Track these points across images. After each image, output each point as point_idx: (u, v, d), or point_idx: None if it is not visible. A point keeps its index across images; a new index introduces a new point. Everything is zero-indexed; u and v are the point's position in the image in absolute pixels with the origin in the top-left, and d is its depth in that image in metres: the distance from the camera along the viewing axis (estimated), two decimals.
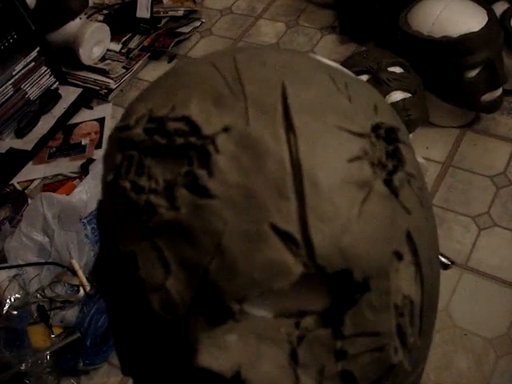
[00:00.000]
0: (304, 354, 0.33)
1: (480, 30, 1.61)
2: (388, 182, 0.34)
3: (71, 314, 1.50)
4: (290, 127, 0.33)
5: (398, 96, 1.59)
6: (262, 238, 0.31)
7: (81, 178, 1.82)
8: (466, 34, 1.61)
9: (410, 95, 1.60)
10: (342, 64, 1.63)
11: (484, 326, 1.42)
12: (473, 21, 1.63)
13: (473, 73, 1.66)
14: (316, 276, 0.32)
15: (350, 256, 0.32)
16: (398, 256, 0.34)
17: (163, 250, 0.32)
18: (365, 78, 1.59)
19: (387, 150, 0.35)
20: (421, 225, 0.36)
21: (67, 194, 1.68)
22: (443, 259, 1.53)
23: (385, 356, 0.34)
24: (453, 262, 1.53)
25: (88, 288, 1.52)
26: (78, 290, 1.53)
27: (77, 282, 1.54)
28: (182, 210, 0.32)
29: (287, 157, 0.32)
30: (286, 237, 0.31)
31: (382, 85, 1.57)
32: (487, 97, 1.70)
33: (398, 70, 1.62)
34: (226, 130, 0.32)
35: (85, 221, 1.60)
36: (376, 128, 0.35)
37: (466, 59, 1.62)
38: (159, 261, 0.33)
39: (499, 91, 1.72)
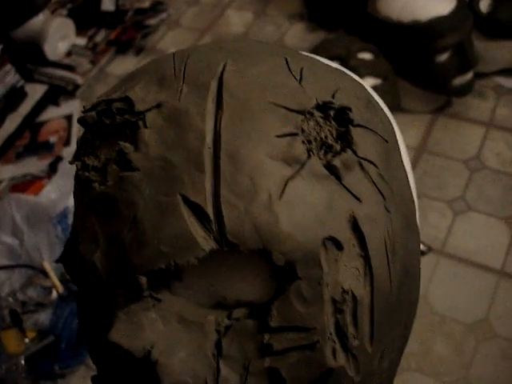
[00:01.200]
0: (229, 345, 0.31)
1: (449, 14, 1.60)
2: (329, 164, 0.32)
3: (45, 316, 1.47)
4: (219, 104, 0.32)
5: (368, 82, 1.57)
6: (171, 210, 0.30)
7: (50, 177, 1.78)
8: (435, 18, 1.60)
9: (380, 81, 1.59)
10: (312, 52, 1.61)
11: (463, 312, 1.42)
12: (442, 4, 1.62)
13: (443, 56, 1.65)
14: (241, 258, 0.31)
15: (267, 236, 0.30)
16: (336, 244, 0.31)
17: (95, 224, 0.33)
18: (334, 65, 1.57)
19: (338, 131, 0.33)
20: (377, 216, 0.33)
21: (36, 194, 1.64)
22: (420, 246, 1.53)
23: (318, 357, 0.31)
24: (430, 248, 1.54)
25: (61, 290, 1.49)
26: (51, 292, 1.50)
27: (49, 284, 1.50)
28: (109, 183, 0.32)
29: (210, 130, 0.31)
30: (196, 209, 0.30)
31: (353, 71, 1.55)
32: (458, 80, 1.70)
33: (367, 56, 1.61)
34: (158, 106, 0.33)
35: (55, 221, 1.56)
36: (324, 107, 0.33)
37: (436, 43, 1.62)
38: (92, 235, 0.33)
39: (470, 74, 1.72)
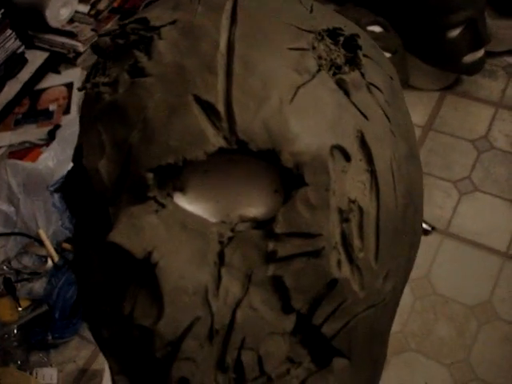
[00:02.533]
0: (232, 254, 0.31)
1: None
2: (339, 80, 0.32)
3: (39, 285, 1.44)
4: (233, 20, 0.32)
5: None
6: (182, 108, 0.30)
7: (48, 146, 1.74)
8: None
9: (389, 55, 1.54)
10: None
11: (465, 293, 1.39)
12: None
13: (455, 32, 1.60)
14: (247, 166, 0.31)
15: (277, 136, 0.30)
16: (344, 154, 0.31)
17: (102, 133, 0.32)
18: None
19: (346, 57, 0.33)
20: (383, 136, 0.33)
21: (33, 162, 1.60)
22: (424, 225, 1.50)
23: (323, 265, 0.31)
24: (433, 228, 1.50)
25: (56, 259, 1.46)
26: (46, 261, 1.47)
27: (44, 253, 1.47)
28: (120, 91, 0.32)
29: (224, 40, 0.32)
30: (207, 107, 0.30)
31: None
32: (469, 58, 1.65)
33: (377, 29, 1.56)
34: (172, 22, 0.33)
35: (52, 189, 1.53)
36: (334, 34, 0.34)
37: (449, 18, 1.57)
38: (98, 145, 0.32)
39: (481, 52, 1.67)
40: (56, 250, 1.48)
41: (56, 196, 1.52)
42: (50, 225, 1.50)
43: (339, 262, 0.31)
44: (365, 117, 0.33)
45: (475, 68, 1.70)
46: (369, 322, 0.33)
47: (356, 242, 0.32)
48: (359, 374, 0.33)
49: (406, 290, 1.39)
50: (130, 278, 0.31)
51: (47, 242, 1.47)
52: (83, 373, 1.38)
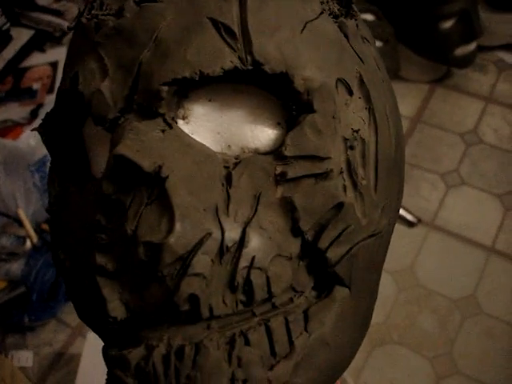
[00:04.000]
0: (239, 176, 0.31)
1: None
2: (340, 23, 0.34)
3: (17, 267, 1.41)
4: None
5: None
6: (198, 27, 0.31)
7: (31, 124, 1.71)
8: None
9: (381, 44, 1.52)
10: None
11: (449, 287, 1.38)
12: None
13: (447, 24, 1.59)
14: (256, 92, 0.32)
15: (290, 61, 0.31)
16: (347, 88, 0.33)
17: (104, 58, 0.32)
18: None
19: (341, 11, 0.35)
20: (376, 82, 0.35)
21: (14, 140, 1.57)
22: (409, 217, 1.49)
23: (330, 188, 0.31)
24: (419, 220, 1.49)
25: (35, 240, 1.43)
26: (25, 242, 1.44)
27: (23, 234, 1.44)
28: (127, 15, 0.32)
29: None
30: (223, 28, 0.31)
31: None
32: (461, 50, 1.64)
33: (369, 17, 1.55)
34: None
35: (33, 168, 1.49)
36: None
37: (441, 9, 1.56)
38: (99, 69, 0.32)
39: (473, 45, 1.66)
40: (35, 230, 1.45)
41: (37, 176, 1.49)
42: (29, 205, 1.47)
43: (345, 188, 0.32)
44: (361, 61, 0.34)
45: (466, 61, 1.69)
46: (368, 252, 0.33)
47: (359, 170, 0.33)
48: (358, 304, 0.33)
49: (390, 281, 1.40)
50: (132, 197, 0.30)
51: (26, 223, 1.44)
52: (60, 356, 1.36)
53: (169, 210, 0.29)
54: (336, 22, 0.34)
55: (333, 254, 0.31)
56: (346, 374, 1.13)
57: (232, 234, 0.30)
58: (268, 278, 0.30)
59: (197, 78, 0.30)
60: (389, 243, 0.36)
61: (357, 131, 0.33)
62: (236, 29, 0.31)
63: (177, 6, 0.31)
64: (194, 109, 0.32)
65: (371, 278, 0.35)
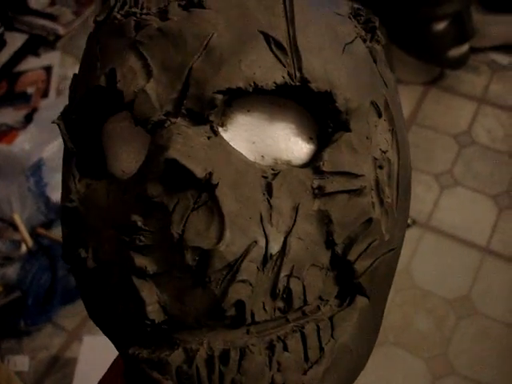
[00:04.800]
0: (279, 187, 0.32)
1: None
2: (370, 48, 0.36)
3: (12, 271, 1.41)
4: None
5: None
6: (251, 39, 0.32)
7: (25, 129, 1.71)
8: None
9: None
10: None
11: (445, 287, 1.38)
12: None
13: (440, 25, 1.59)
14: (299, 98, 0.33)
15: (334, 80, 0.32)
16: (377, 111, 0.34)
17: (147, 58, 0.32)
18: None
19: (367, 36, 0.36)
20: (397, 104, 0.37)
21: (9, 144, 1.57)
22: None
23: (363, 203, 0.33)
24: (414, 221, 1.50)
25: (30, 244, 1.43)
26: (20, 246, 1.44)
27: (18, 238, 1.44)
28: (174, 18, 0.32)
29: None
30: (274, 42, 0.32)
31: None
32: (454, 52, 1.65)
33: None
34: None
35: (28, 173, 1.49)
36: (356, 14, 0.37)
37: (434, 10, 1.56)
38: (141, 69, 0.32)
39: (466, 47, 1.66)
40: (30, 235, 1.45)
41: (32, 180, 1.49)
42: (24, 209, 1.47)
43: (373, 204, 0.33)
44: (385, 84, 0.36)
45: (459, 63, 1.69)
46: (387, 265, 0.35)
47: (386, 189, 0.34)
48: (375, 312, 0.35)
49: None
50: (176, 201, 0.30)
51: (21, 227, 1.44)
52: (56, 361, 1.35)
53: (218, 216, 0.30)
54: (367, 47, 0.35)
55: (359, 266, 0.33)
56: None
57: (275, 242, 0.31)
58: (304, 287, 0.31)
59: (251, 90, 0.31)
60: (399, 258, 0.38)
61: (385, 152, 0.34)
62: (285, 44, 0.32)
63: (227, 16, 0.32)
64: (233, 117, 0.33)
65: (386, 287, 0.36)
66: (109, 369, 0.42)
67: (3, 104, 1.85)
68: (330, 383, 0.32)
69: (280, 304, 0.31)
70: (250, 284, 0.30)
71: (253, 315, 0.30)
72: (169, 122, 0.31)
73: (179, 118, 0.31)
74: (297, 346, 0.31)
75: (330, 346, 0.32)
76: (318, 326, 0.32)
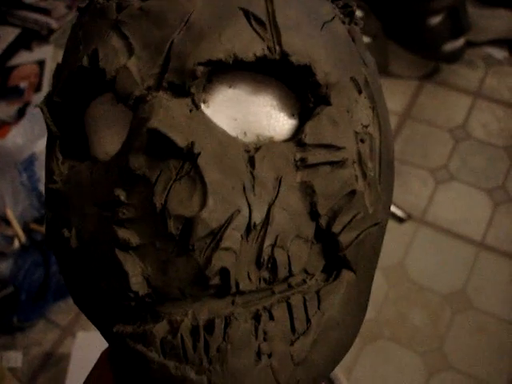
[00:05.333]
0: (261, 160, 0.32)
1: None
2: (349, 28, 0.36)
3: (5, 266, 1.39)
4: None
5: None
6: (230, 15, 0.32)
7: (18, 123, 1.69)
8: None
9: (369, 39, 1.52)
10: None
11: (440, 282, 1.38)
12: None
13: (436, 19, 1.59)
14: (275, 85, 0.34)
15: (313, 55, 0.33)
16: (357, 87, 0.35)
17: (128, 36, 0.32)
18: None
19: (345, 19, 0.37)
20: (377, 84, 0.38)
21: (1, 138, 1.55)
22: (399, 213, 1.49)
23: (345, 175, 0.33)
24: (409, 216, 1.49)
25: (23, 239, 1.41)
26: (13, 242, 1.42)
27: (11, 233, 1.43)
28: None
29: None
30: (254, 18, 0.32)
31: None
32: (449, 46, 1.64)
33: (357, 13, 1.54)
34: None
35: (20, 167, 1.48)
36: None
37: (430, 4, 1.55)
38: (123, 47, 0.32)
39: (461, 41, 1.66)
40: (23, 230, 1.43)
41: (24, 175, 1.48)
42: (17, 204, 1.46)
43: (356, 177, 0.33)
44: (365, 64, 0.37)
45: (455, 56, 1.69)
46: (372, 239, 0.35)
47: (368, 163, 0.34)
48: (361, 287, 0.35)
49: (380, 277, 1.40)
50: (158, 173, 0.30)
51: (14, 222, 1.43)
52: (49, 356, 1.34)
53: (201, 185, 0.30)
54: (346, 28, 0.36)
55: (344, 239, 0.33)
56: (337, 370, 1.13)
57: (258, 212, 0.31)
58: (289, 258, 0.31)
59: (231, 62, 0.31)
60: (384, 235, 0.38)
61: (366, 126, 0.35)
62: (265, 20, 0.32)
63: None
64: (214, 94, 0.33)
65: (372, 263, 0.36)
66: (96, 364, 0.41)
67: None
68: (318, 356, 0.32)
69: (265, 274, 0.31)
70: (234, 252, 0.30)
71: (237, 284, 0.30)
72: (150, 96, 0.31)
73: (161, 92, 0.31)
74: (283, 316, 0.31)
75: (317, 318, 0.32)
76: (304, 298, 0.32)
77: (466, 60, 1.78)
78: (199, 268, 0.30)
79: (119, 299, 0.31)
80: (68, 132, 0.37)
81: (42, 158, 1.49)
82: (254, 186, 0.31)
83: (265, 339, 0.30)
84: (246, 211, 0.31)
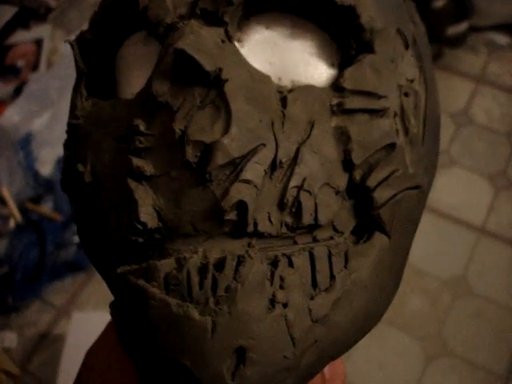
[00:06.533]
0: (294, 101, 0.29)
1: None
2: None
3: (0, 246, 1.38)
4: None
5: None
6: None
7: (14, 102, 1.67)
8: None
9: None
10: None
11: (439, 267, 1.37)
12: None
13: (440, 2, 1.57)
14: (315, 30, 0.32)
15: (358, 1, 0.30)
16: (404, 41, 0.32)
17: None
18: None
19: None
20: (425, 45, 0.35)
21: None
22: None
23: (385, 126, 0.30)
24: None
25: (19, 219, 1.40)
26: (8, 221, 1.41)
27: (7, 212, 1.41)
28: None
29: None
30: None
31: None
32: (452, 30, 1.62)
33: None
34: None
35: (17, 146, 1.46)
36: None
37: None
38: None
39: (465, 25, 1.64)
40: (19, 209, 1.42)
41: (21, 153, 1.46)
42: (13, 183, 1.44)
43: (397, 131, 0.31)
44: (414, 23, 0.35)
45: (458, 40, 1.67)
46: (410, 203, 0.32)
47: (411, 119, 0.32)
48: (395, 256, 0.32)
49: None
50: (182, 100, 0.28)
51: (10, 201, 1.41)
52: (44, 337, 1.33)
53: (225, 113, 0.27)
54: None
55: (379, 196, 0.30)
56: None
57: (286, 150, 0.29)
58: (316, 205, 0.29)
59: None
60: (425, 205, 0.35)
61: (411, 81, 0.32)
62: None
63: None
64: (250, 34, 0.31)
65: (409, 232, 0.34)
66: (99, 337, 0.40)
67: None
68: (341, 318, 0.29)
69: (288, 219, 0.28)
70: (255, 186, 0.28)
71: (256, 224, 0.28)
72: (182, 24, 0.29)
73: (193, 20, 0.29)
74: (304, 265, 0.29)
75: (343, 276, 0.29)
76: (329, 252, 0.29)
77: (468, 45, 1.76)
78: (215, 200, 0.27)
79: (127, 234, 0.29)
80: (96, 71, 0.35)
81: (39, 137, 1.48)
82: (283, 123, 0.29)
83: (281, 287, 0.28)
84: (272, 146, 0.28)
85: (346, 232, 0.31)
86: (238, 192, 0.27)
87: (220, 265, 0.27)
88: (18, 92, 1.71)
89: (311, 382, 0.31)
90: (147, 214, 0.28)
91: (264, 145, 0.28)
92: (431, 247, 1.40)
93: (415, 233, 0.35)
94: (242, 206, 0.27)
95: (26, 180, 1.45)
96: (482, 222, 1.44)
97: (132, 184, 0.28)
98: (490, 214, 1.45)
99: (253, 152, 0.28)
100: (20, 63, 1.85)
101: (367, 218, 0.31)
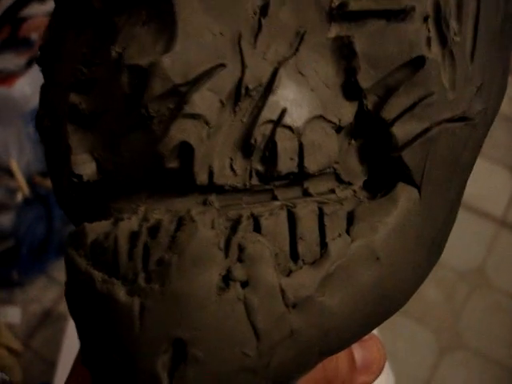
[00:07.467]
0: (279, 5, 0.21)
1: None
2: None
3: (7, 219, 1.35)
4: None
5: None
6: None
7: (26, 74, 1.65)
8: None
9: None
10: None
11: (457, 258, 1.33)
12: None
13: None
14: None
15: None
16: None
17: None
18: None
19: None
20: None
21: (9, 87, 1.51)
22: None
23: (408, 33, 0.21)
24: None
25: (27, 192, 1.37)
26: (16, 194, 1.38)
27: (14, 186, 1.38)
28: None
29: None
30: None
31: None
32: None
33: None
34: None
35: (28, 118, 1.43)
36: None
37: None
38: None
39: None
40: (27, 183, 1.39)
41: (31, 126, 1.43)
42: (22, 156, 1.41)
43: (429, 40, 0.22)
44: None
45: None
46: (453, 141, 0.23)
47: (452, 23, 0.22)
48: (429, 215, 0.23)
49: None
50: (126, 17, 0.22)
51: (18, 174, 1.38)
52: (48, 314, 1.31)
53: (170, 25, 0.20)
54: None
55: (401, 131, 0.22)
56: None
57: (257, 72, 0.21)
58: (301, 146, 0.21)
59: None
60: (482, 143, 0.26)
61: None
62: None
63: None
64: None
65: (452, 182, 0.25)
66: None
67: (6, 49, 1.80)
68: (337, 300, 0.21)
69: (258, 165, 0.21)
70: (206, 123, 0.21)
71: (211, 174, 0.21)
72: None
73: None
74: (279, 230, 0.21)
75: (340, 244, 0.21)
76: (321, 210, 0.22)
77: None
78: (154, 142, 0.21)
79: (67, 190, 0.23)
80: None
81: None
82: (257, 37, 0.21)
83: (240, 259, 0.20)
84: (235, 67, 0.21)
85: (355, 183, 0.23)
86: (181, 131, 0.21)
87: (154, 229, 0.21)
88: (30, 64, 1.69)
89: (327, 371, 0.25)
90: (82, 164, 0.22)
91: (223, 65, 0.21)
92: (449, 238, 1.36)
93: (465, 186, 0.27)
94: (186, 150, 0.21)
95: (35, 153, 1.42)
96: (502, 213, 1.40)
97: (69, 128, 0.23)
98: (511, 206, 1.41)
99: (205, 74, 0.21)
100: (34, 36, 1.83)
101: (387, 165, 0.23)
